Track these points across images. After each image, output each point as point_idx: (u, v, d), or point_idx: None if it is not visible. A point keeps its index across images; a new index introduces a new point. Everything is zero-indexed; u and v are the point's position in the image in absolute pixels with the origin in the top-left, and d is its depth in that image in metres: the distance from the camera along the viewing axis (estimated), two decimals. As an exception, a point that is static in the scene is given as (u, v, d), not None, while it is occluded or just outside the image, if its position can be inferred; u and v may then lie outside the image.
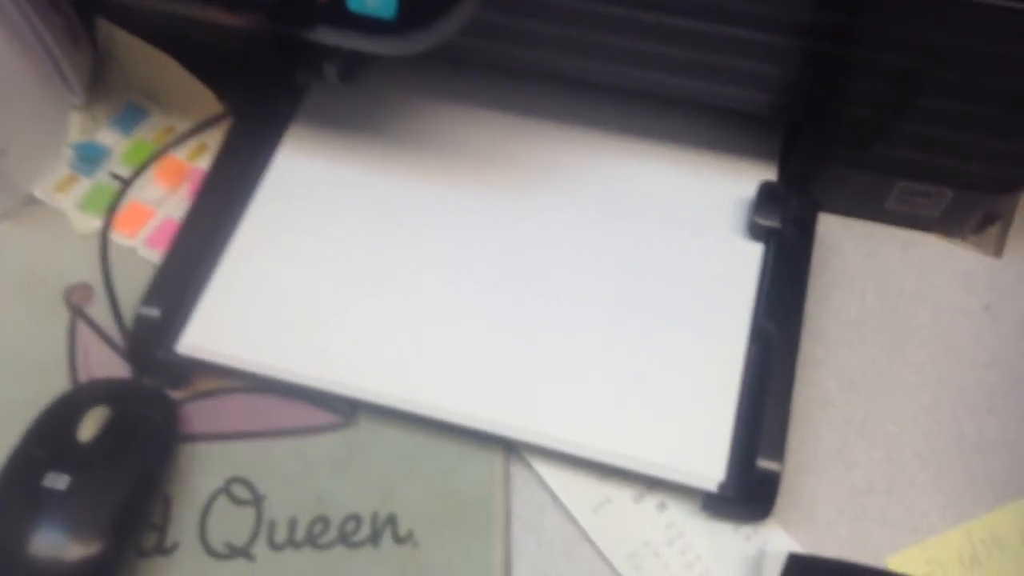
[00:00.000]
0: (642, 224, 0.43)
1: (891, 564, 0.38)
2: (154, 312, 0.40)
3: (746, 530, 0.39)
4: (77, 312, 0.43)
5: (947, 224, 0.45)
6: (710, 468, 0.37)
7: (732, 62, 0.39)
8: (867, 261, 0.45)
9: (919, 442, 0.41)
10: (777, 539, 0.38)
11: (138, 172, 0.46)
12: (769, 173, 0.44)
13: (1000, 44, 0.35)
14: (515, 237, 0.43)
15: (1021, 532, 0.39)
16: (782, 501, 0.39)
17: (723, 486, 0.37)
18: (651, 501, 0.39)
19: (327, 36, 0.34)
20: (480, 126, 0.46)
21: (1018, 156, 0.40)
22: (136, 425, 0.38)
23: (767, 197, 0.42)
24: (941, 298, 0.44)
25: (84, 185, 0.47)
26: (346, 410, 0.41)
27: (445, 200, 0.44)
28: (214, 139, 0.48)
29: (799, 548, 0.38)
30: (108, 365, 0.42)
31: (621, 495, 0.39)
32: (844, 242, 0.46)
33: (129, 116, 0.49)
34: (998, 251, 0.45)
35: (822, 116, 0.40)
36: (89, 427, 0.37)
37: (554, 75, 0.42)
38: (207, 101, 0.48)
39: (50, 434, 0.38)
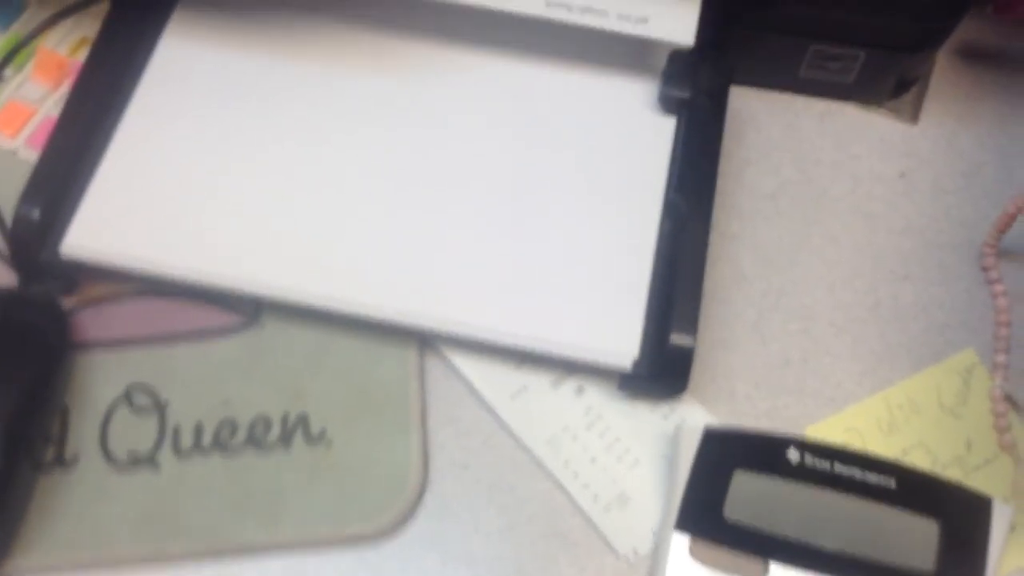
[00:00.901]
0: (548, 103, 0.41)
1: (810, 433, 0.38)
2: (34, 212, 0.37)
3: (663, 408, 0.38)
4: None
5: (863, 91, 0.44)
6: (624, 346, 0.36)
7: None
8: (783, 133, 0.44)
9: (835, 312, 0.41)
10: (694, 415, 0.38)
11: (5, 62, 0.43)
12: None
13: None
14: (412, 123, 0.40)
15: (937, 396, 0.39)
16: (699, 378, 0.39)
17: (637, 364, 0.36)
18: (569, 386, 0.39)
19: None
20: (376, 12, 0.43)
21: (928, 10, 0.38)
22: (23, 334, 0.36)
23: (677, 67, 0.40)
24: (857, 167, 0.43)
25: (-48, 85, 0.43)
26: (249, 309, 0.39)
27: (340, 88, 0.41)
28: (96, 31, 0.44)
29: (717, 423, 0.38)
30: (-10, 273, 0.39)
31: (538, 382, 0.39)
32: (760, 114, 0.44)
33: (4, 11, 0.45)
34: (914, 117, 0.44)
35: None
36: (-29, 337, 0.35)
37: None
38: (84, -10, 0.44)
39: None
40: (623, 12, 0.39)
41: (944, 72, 0.45)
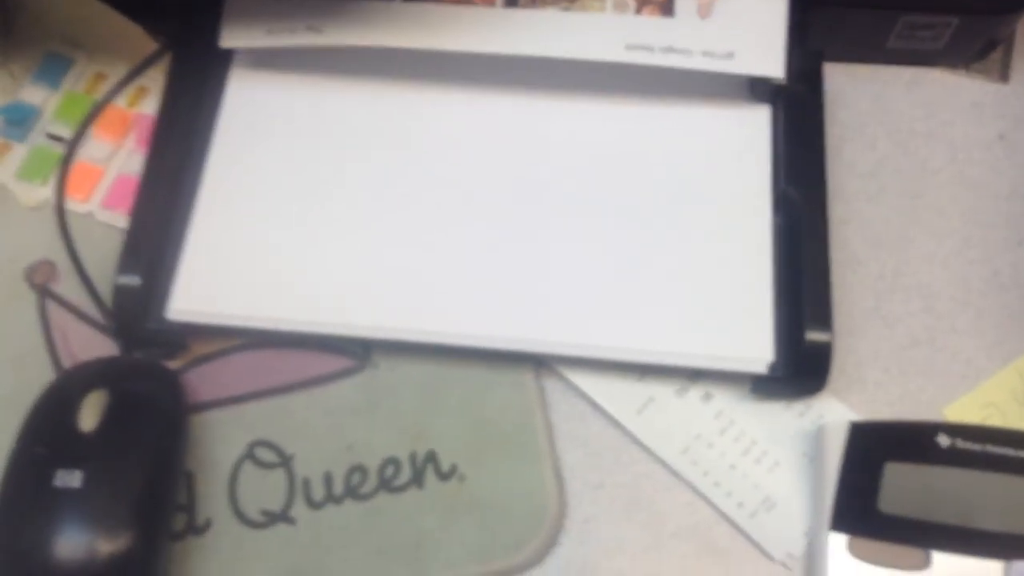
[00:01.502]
0: (640, 117, 0.40)
1: (948, 415, 0.37)
2: (134, 280, 0.36)
3: (798, 406, 0.37)
4: (44, 292, 0.39)
5: (950, 55, 0.42)
6: (758, 350, 0.35)
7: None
8: (873, 106, 0.43)
9: (954, 287, 0.40)
10: (832, 410, 0.37)
11: (83, 128, 0.42)
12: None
13: None
14: (505, 148, 0.39)
15: (1068, 360, 0.38)
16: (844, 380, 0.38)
17: (773, 366, 0.35)
18: (695, 393, 0.38)
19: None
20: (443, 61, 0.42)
21: None
22: (139, 404, 0.35)
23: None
24: (953, 134, 0.42)
25: (19, 152, 0.42)
26: (359, 351, 0.38)
27: (420, 118, 0.40)
28: (154, 80, 0.43)
29: (854, 415, 0.37)
30: (91, 345, 0.38)
31: (663, 392, 0.38)
32: (846, 89, 0.43)
33: (52, 67, 0.44)
34: (1004, 76, 0.43)
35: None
36: (89, 414, 0.34)
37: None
38: (137, 38, 0.43)
39: (48, 429, 0.34)
40: (707, 49, 0.38)
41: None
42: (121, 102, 0.43)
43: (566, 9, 0.39)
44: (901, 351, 0.38)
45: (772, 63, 0.38)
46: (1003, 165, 0.42)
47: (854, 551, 0.34)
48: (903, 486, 0.34)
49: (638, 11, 0.39)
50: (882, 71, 0.43)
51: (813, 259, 0.36)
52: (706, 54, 0.38)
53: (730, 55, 0.38)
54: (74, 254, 0.39)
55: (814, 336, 0.35)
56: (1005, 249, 0.40)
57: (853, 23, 0.40)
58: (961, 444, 0.35)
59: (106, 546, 0.32)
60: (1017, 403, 0.38)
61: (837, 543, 0.34)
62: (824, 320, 0.35)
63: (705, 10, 0.39)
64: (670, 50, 0.38)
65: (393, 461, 0.36)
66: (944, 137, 0.42)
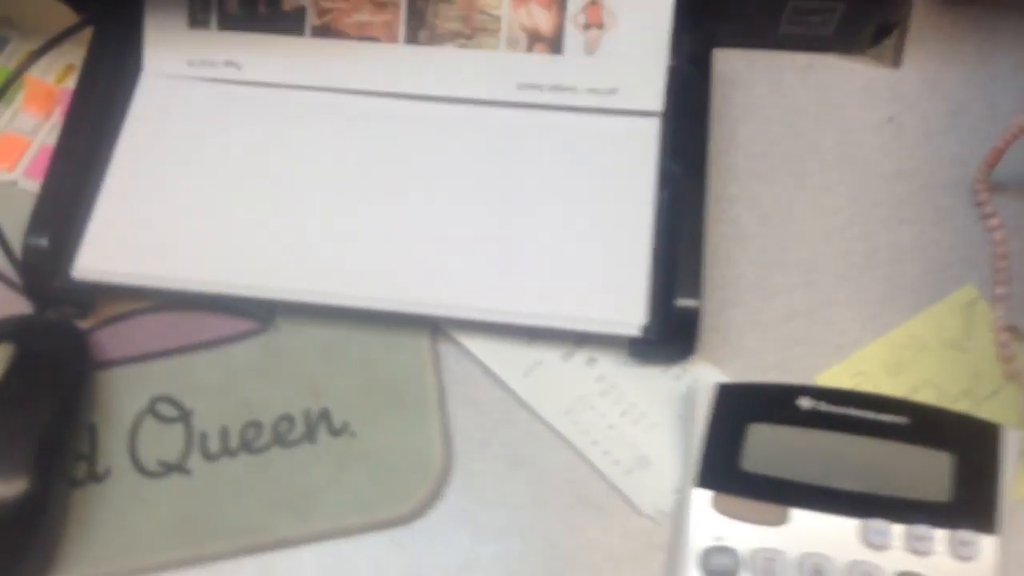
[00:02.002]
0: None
1: (820, 382, 0.39)
2: (42, 240, 0.38)
3: (675, 371, 0.39)
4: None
5: (843, 41, 0.44)
6: (631, 314, 0.37)
7: None
8: (769, 90, 0.45)
9: (835, 262, 0.41)
10: (706, 374, 0.39)
11: None
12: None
13: None
14: (407, 138, 0.41)
15: (941, 333, 0.40)
16: (708, 338, 0.40)
17: (646, 329, 0.37)
18: (580, 358, 0.40)
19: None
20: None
21: None
22: (43, 358, 0.37)
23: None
24: (844, 117, 0.44)
25: (-52, 121, 0.44)
26: (263, 314, 0.40)
27: (330, 107, 0.42)
28: (81, 59, 0.45)
29: (728, 380, 0.39)
30: (7, 304, 0.40)
31: (550, 356, 0.39)
32: (744, 74, 0.45)
33: (-14, 42, 0.46)
34: (896, 62, 0.45)
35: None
36: (-5, 364, 0.36)
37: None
38: (65, 16, 0.45)
39: (-45, 380, 0.36)
40: (592, 86, 0.40)
41: (923, 15, 0.46)
42: (49, 78, 0.45)
43: (463, 46, 0.41)
44: (780, 322, 0.40)
45: (651, 98, 0.40)
46: (890, 147, 0.43)
47: (718, 507, 0.36)
48: (765, 446, 0.36)
49: (529, 48, 0.41)
50: (780, 57, 0.45)
51: (688, 231, 0.38)
52: (591, 91, 0.40)
53: (613, 91, 0.40)
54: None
55: (684, 302, 0.37)
56: (886, 227, 0.42)
57: (744, 8, 0.42)
58: (822, 407, 0.36)
59: (2, 488, 0.34)
60: (888, 373, 0.39)
61: (701, 499, 0.36)
62: (693, 287, 0.37)
63: (592, 46, 0.41)
64: (558, 88, 0.41)
65: (287, 418, 0.38)
66: (835, 119, 0.44)
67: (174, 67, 0.42)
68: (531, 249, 0.39)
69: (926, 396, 0.38)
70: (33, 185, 0.42)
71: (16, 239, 0.41)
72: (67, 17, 0.45)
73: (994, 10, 0.45)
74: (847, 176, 0.43)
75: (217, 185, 0.40)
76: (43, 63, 0.45)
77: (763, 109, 0.44)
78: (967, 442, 0.36)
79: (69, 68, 0.45)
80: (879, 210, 0.42)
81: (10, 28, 0.46)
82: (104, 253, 0.38)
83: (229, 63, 0.42)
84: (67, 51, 0.45)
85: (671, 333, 0.37)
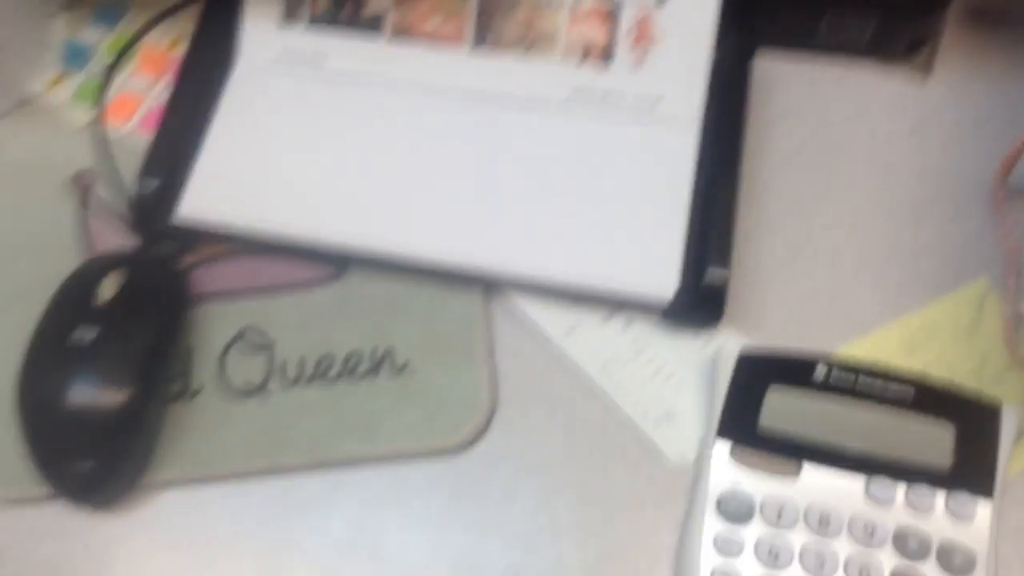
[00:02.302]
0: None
1: (838, 355, 0.43)
2: (152, 184, 0.43)
3: (705, 337, 0.43)
4: (85, 193, 0.47)
5: (879, 50, 0.48)
6: (664, 281, 0.42)
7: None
8: (806, 92, 0.49)
9: (859, 250, 0.45)
10: (731, 341, 0.43)
11: (117, 60, 0.50)
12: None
13: None
14: (472, 127, 0.46)
15: (953, 320, 0.44)
16: (736, 311, 0.44)
17: (677, 296, 0.41)
18: (618, 321, 0.44)
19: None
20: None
21: None
22: (149, 291, 0.43)
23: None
24: (875, 121, 0.48)
25: (75, 80, 0.50)
26: (337, 263, 0.45)
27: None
28: (190, 28, 0.51)
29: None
30: (118, 240, 0.45)
31: (591, 318, 0.44)
32: (785, 75, 0.49)
33: (109, 13, 0.52)
34: (927, 72, 0.49)
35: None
36: (106, 290, 0.41)
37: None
38: (182, -6, 0.51)
39: (72, 298, 0.42)
40: (639, 93, 0.45)
41: (954, 32, 0.50)
42: (163, 44, 0.51)
43: (524, 53, 0.46)
44: (804, 300, 0.44)
45: (694, 102, 0.45)
46: (916, 150, 0.47)
47: (736, 456, 0.40)
48: (782, 407, 0.40)
49: (584, 57, 0.45)
50: (819, 61, 0.49)
51: (721, 209, 0.42)
52: (637, 97, 0.45)
53: (659, 98, 0.45)
54: (112, 164, 0.47)
55: (713, 273, 0.41)
56: (908, 222, 0.46)
57: (788, 14, 0.47)
58: (836, 374, 0.40)
59: (107, 396, 0.39)
60: (902, 352, 0.43)
61: (721, 449, 0.40)
62: (723, 260, 0.41)
63: (640, 58, 0.45)
64: (608, 94, 0.45)
65: (356, 353, 0.43)
66: (866, 122, 0.48)
67: (268, 53, 0.47)
68: (578, 221, 0.43)
69: (937, 375, 0.42)
70: (145, 138, 0.48)
71: (129, 183, 0.47)
72: (181, -6, 0.51)
73: (1018, 31, 0.49)
74: (874, 174, 0.47)
75: (304, 147, 0.45)
76: (157, 31, 0.51)
77: (800, 109, 0.48)
78: (968, 415, 0.40)
79: (180, 37, 0.51)
80: (902, 207, 0.46)
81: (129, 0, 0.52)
82: (204, 200, 0.44)
83: (317, 54, 0.47)
84: (180, 24, 0.51)
85: (701, 300, 0.41)
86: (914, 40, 0.48)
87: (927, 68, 0.49)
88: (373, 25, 0.47)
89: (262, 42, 0.48)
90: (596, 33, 0.46)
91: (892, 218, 0.46)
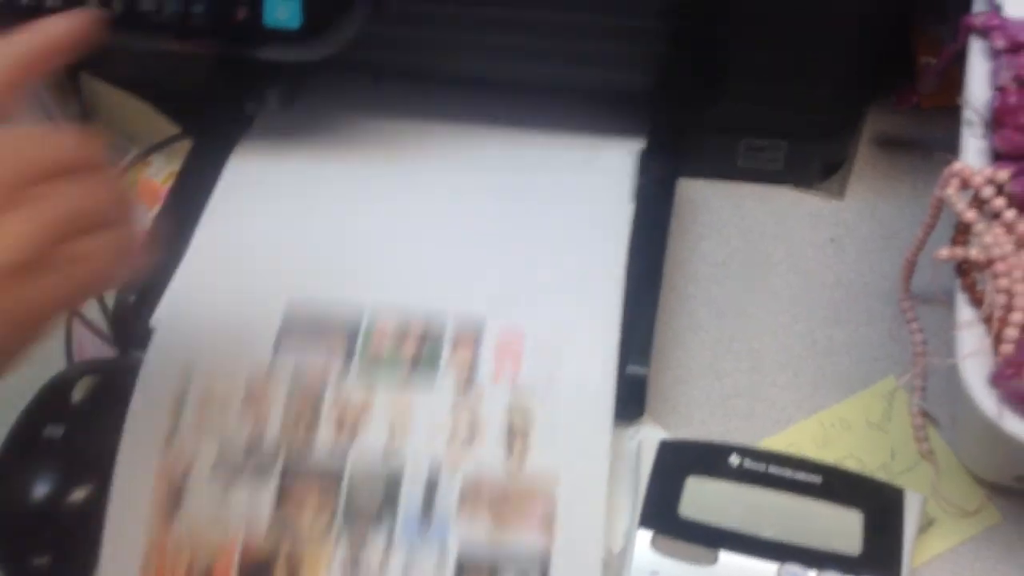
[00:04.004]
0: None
1: (754, 448, 0.45)
2: (128, 298, 0.48)
3: (630, 430, 0.46)
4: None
5: (795, 175, 0.53)
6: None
7: (591, 48, 0.48)
8: (731, 212, 0.53)
9: (778, 352, 0.49)
10: (654, 433, 0.46)
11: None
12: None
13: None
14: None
15: (865, 416, 0.46)
16: (661, 407, 0.47)
17: (602, 391, 0.45)
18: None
19: (246, 50, 0.44)
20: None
21: (829, 103, 0.48)
22: (120, 390, 0.46)
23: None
24: (794, 236, 0.52)
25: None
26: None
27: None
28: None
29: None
30: (98, 348, 0.50)
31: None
32: (711, 199, 0.54)
33: (112, 152, 0.58)
34: (841, 194, 0.53)
35: (667, 86, 0.49)
36: (79, 393, 0.45)
37: (440, 75, 0.51)
38: (170, 131, 0.57)
39: (46, 400, 0.46)
40: None
41: (865, 157, 0.54)
42: (157, 179, 0.57)
43: None
44: (726, 399, 0.47)
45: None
46: (832, 261, 0.51)
47: (656, 546, 0.42)
48: (700, 495, 0.43)
49: None
50: (744, 186, 0.54)
51: (643, 313, 0.46)
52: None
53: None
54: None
55: (633, 370, 0.44)
56: (824, 326, 0.49)
57: (707, 143, 0.52)
58: (748, 464, 0.43)
59: (69, 491, 0.42)
60: (815, 445, 0.46)
61: (643, 538, 0.42)
62: (643, 358, 0.44)
63: None
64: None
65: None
66: (786, 238, 0.52)
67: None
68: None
69: (849, 467, 0.44)
70: (129, 260, 0.53)
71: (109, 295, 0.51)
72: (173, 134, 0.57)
73: (924, 155, 0.54)
74: (793, 283, 0.51)
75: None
76: (154, 166, 0.57)
77: (725, 227, 0.53)
78: (874, 501, 0.42)
79: (172, 174, 0.57)
80: (818, 312, 0.50)
81: (130, 139, 0.59)
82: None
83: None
84: (175, 161, 0.57)
85: (623, 395, 0.44)
86: (827, 165, 0.53)
87: (841, 189, 0.53)
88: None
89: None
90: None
91: (810, 322, 0.49)
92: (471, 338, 0.46)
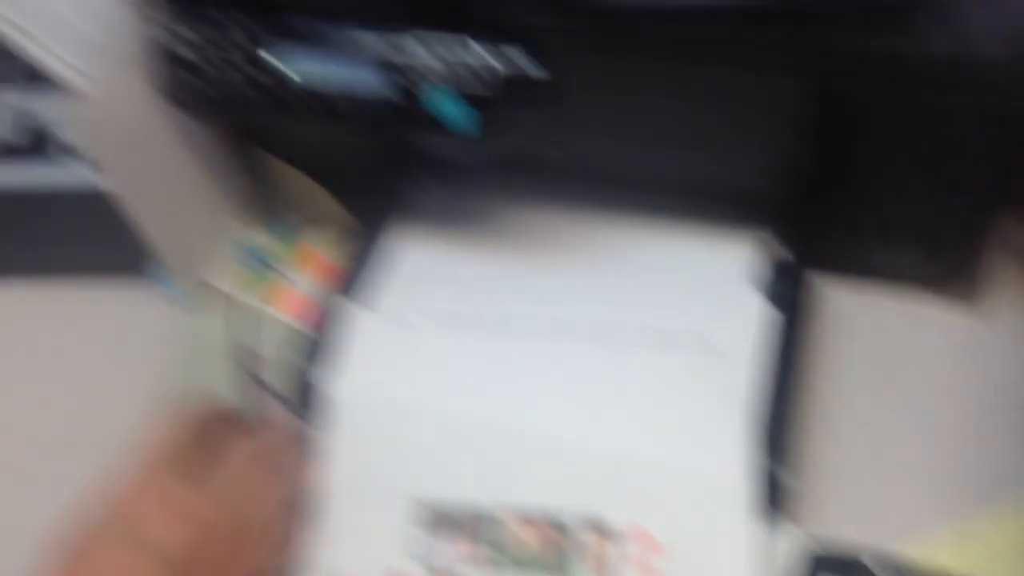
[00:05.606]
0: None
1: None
2: (313, 375, 0.53)
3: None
4: (252, 370, 0.56)
5: (928, 279, 0.55)
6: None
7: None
8: (861, 311, 0.56)
9: (919, 462, 0.51)
10: (795, 533, 0.48)
11: (282, 264, 0.61)
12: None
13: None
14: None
15: (1006, 535, 0.48)
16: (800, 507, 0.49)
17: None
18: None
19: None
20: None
21: (964, 209, 0.51)
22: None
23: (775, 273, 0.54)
24: (929, 345, 0.55)
25: (244, 274, 0.61)
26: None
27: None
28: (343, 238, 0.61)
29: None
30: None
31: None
32: (849, 303, 0.57)
33: (278, 222, 0.63)
34: (978, 300, 0.55)
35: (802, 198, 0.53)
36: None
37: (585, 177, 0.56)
38: (335, 209, 0.62)
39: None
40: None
41: (1001, 264, 0.56)
42: (322, 246, 0.62)
43: None
44: (863, 499, 0.50)
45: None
46: (970, 372, 0.54)
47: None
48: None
49: None
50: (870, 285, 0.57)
51: (784, 417, 0.49)
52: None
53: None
54: (278, 348, 0.57)
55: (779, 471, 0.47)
56: (964, 438, 0.52)
57: (844, 246, 0.55)
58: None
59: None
60: (951, 557, 0.47)
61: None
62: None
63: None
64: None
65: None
66: (922, 349, 0.55)
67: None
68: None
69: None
70: (300, 327, 0.58)
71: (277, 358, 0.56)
72: (335, 209, 0.62)
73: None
74: (931, 396, 0.53)
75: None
76: (314, 236, 0.62)
77: (855, 327, 0.56)
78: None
79: (334, 243, 0.62)
80: (960, 425, 0.52)
81: (294, 211, 0.63)
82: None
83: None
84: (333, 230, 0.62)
85: (767, 495, 0.47)
86: (962, 270, 0.55)
87: (977, 297, 0.55)
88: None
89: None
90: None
91: (952, 435, 0.51)
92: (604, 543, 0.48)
